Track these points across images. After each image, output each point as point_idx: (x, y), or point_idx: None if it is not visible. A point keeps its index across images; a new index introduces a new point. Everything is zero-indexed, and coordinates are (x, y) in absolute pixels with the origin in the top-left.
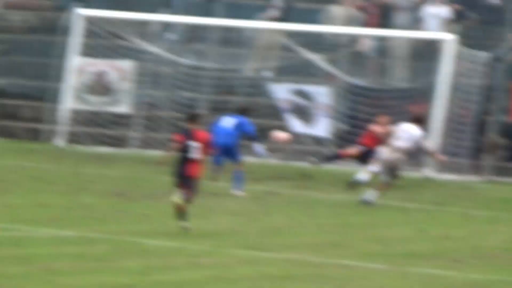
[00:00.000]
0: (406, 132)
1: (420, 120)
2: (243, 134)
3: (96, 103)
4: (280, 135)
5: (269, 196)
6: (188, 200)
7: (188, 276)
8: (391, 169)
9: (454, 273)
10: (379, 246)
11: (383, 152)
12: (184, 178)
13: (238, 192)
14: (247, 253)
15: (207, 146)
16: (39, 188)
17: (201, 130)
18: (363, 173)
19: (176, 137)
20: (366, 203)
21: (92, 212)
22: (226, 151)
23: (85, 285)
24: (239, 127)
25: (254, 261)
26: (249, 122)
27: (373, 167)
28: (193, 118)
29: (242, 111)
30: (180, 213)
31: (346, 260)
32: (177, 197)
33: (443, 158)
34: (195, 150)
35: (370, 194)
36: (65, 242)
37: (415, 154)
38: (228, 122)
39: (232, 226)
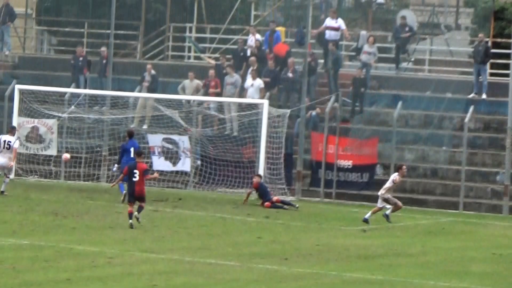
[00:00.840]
0: None
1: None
2: None
3: (33, 148)
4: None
5: (155, 213)
6: (142, 208)
7: (107, 272)
8: None
9: (284, 267)
10: (232, 248)
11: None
12: (134, 195)
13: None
14: (144, 255)
15: (145, 173)
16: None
17: (142, 163)
18: None
19: (125, 170)
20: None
21: (38, 226)
22: None
23: (40, 279)
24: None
25: (149, 261)
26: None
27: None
28: (138, 154)
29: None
30: (130, 215)
31: (211, 259)
32: (131, 207)
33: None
34: (138, 175)
35: None
36: (23, 248)
37: None
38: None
39: (132, 236)
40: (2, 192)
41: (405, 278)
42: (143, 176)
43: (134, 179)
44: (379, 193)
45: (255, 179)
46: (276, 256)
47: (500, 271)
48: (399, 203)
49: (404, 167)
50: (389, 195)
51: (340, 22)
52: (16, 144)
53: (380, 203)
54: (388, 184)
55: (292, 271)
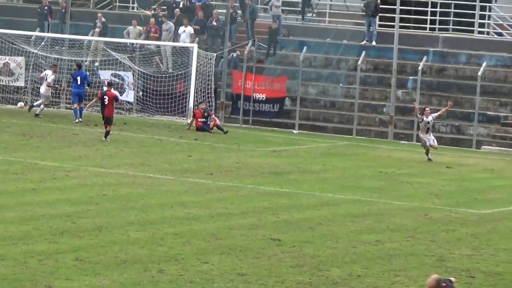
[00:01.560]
0: None
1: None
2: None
3: (5, 80)
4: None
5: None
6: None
7: (65, 183)
8: None
9: (210, 181)
10: (167, 165)
11: None
12: (104, 116)
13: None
14: (96, 169)
15: (115, 100)
16: None
17: (111, 91)
18: None
19: (99, 94)
20: None
21: (9, 144)
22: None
23: (10, 189)
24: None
25: (100, 174)
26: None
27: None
28: (109, 85)
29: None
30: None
31: (150, 174)
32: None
33: None
34: (108, 101)
35: None
36: None
37: None
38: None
39: (86, 153)
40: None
41: (309, 191)
42: (112, 101)
43: (105, 103)
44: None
45: (202, 106)
46: (203, 172)
47: (386, 186)
48: (426, 144)
49: (427, 109)
50: (421, 135)
51: None
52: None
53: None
54: (421, 126)
55: (216, 184)
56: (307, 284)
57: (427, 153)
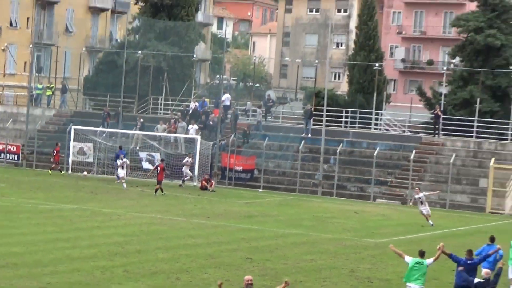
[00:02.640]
0: None
1: None
2: None
3: (81, 157)
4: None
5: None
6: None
7: (118, 223)
8: None
9: (208, 221)
10: (181, 211)
11: None
12: (158, 180)
13: None
14: (136, 214)
15: (163, 170)
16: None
17: (162, 164)
18: None
19: (155, 167)
20: None
21: (82, 199)
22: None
23: (82, 226)
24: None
25: (139, 217)
26: None
27: None
28: (162, 160)
29: None
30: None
31: (170, 217)
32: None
33: None
34: (160, 170)
35: None
36: (76, 209)
37: None
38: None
39: (131, 204)
40: None
41: (269, 228)
42: (163, 171)
43: (158, 171)
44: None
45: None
46: (203, 215)
47: (317, 224)
48: (421, 213)
49: (417, 188)
50: (419, 208)
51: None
52: None
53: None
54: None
55: (212, 223)
56: (268, 286)
57: (427, 219)
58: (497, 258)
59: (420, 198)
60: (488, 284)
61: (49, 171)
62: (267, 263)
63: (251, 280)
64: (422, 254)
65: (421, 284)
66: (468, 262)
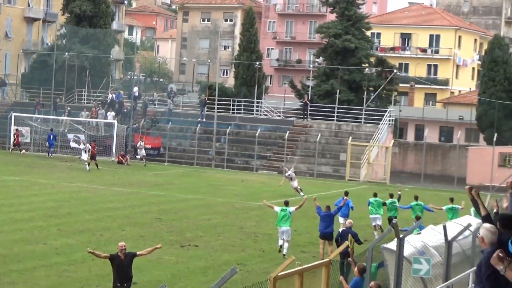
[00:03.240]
0: None
1: None
2: None
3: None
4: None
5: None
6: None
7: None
8: None
9: (124, 189)
10: (102, 181)
11: None
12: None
13: None
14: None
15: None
16: None
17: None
18: None
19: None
20: None
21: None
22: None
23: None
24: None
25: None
26: None
27: None
28: (93, 141)
29: None
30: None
31: (95, 186)
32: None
33: None
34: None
35: None
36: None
37: None
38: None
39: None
40: None
41: (173, 194)
42: (94, 149)
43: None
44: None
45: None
46: (121, 184)
47: (212, 191)
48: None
49: (285, 168)
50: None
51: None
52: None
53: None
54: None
55: (128, 191)
56: (174, 241)
57: (298, 192)
58: (349, 209)
59: (289, 175)
60: (351, 232)
61: (10, 151)
62: (173, 222)
63: (124, 246)
64: (286, 204)
65: (287, 225)
66: (326, 213)
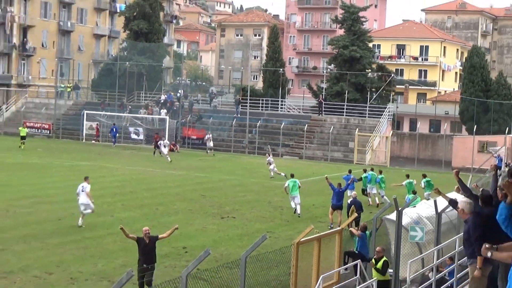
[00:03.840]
0: None
1: None
2: None
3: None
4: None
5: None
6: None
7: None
8: None
9: (175, 172)
10: (159, 164)
11: None
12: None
13: None
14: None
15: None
16: None
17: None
18: None
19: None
20: None
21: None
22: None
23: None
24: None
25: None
26: None
27: None
28: (156, 134)
29: None
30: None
31: (153, 169)
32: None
33: None
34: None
35: None
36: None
37: None
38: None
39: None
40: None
41: (217, 176)
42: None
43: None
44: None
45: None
46: (172, 167)
47: (247, 173)
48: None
49: (267, 154)
50: None
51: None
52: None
53: None
54: None
55: (179, 173)
56: (216, 214)
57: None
58: (354, 182)
59: (268, 160)
60: (356, 201)
61: (93, 142)
62: (215, 198)
63: (148, 230)
64: (292, 176)
65: (297, 193)
66: (340, 190)
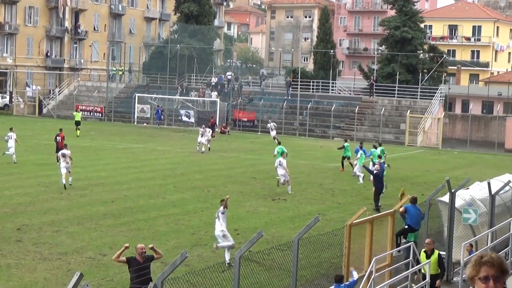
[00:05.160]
0: None
1: None
2: None
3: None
4: None
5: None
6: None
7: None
8: None
9: (226, 154)
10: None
11: None
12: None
13: None
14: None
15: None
16: None
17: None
18: None
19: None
20: None
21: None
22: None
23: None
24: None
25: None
26: None
27: None
28: (212, 117)
29: None
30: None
31: (190, 150)
32: None
33: None
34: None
35: None
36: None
37: None
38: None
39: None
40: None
41: (267, 158)
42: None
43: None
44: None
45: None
46: (222, 150)
47: (296, 155)
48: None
49: (270, 120)
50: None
51: (229, 74)
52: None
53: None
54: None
55: (230, 155)
56: (267, 195)
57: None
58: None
59: (269, 127)
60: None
61: (145, 125)
62: (266, 180)
63: (144, 249)
64: (279, 143)
65: (280, 158)
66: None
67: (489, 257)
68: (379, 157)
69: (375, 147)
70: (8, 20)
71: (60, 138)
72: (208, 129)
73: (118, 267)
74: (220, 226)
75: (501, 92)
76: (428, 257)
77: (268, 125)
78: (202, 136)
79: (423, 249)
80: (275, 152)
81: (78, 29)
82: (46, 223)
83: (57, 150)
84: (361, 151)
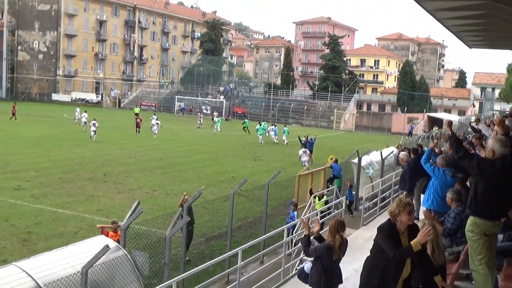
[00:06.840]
0: None
1: None
2: None
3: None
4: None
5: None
6: None
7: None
8: None
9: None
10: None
11: None
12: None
13: None
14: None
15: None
16: None
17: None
18: None
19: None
20: None
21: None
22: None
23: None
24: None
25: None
26: None
27: None
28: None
29: None
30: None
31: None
32: None
33: None
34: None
35: None
36: None
37: None
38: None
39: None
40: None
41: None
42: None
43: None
44: None
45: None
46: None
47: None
48: None
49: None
50: None
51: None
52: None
53: None
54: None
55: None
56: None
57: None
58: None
59: (270, 128)
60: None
61: (180, 114)
62: (250, 148)
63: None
64: (260, 123)
65: (261, 133)
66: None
67: (409, 200)
68: (288, 133)
69: (285, 125)
70: (101, 51)
71: (139, 120)
72: (216, 113)
73: (163, 198)
74: None
75: (390, 99)
76: (319, 199)
77: (267, 126)
78: (216, 117)
79: (317, 194)
80: (256, 129)
81: (142, 57)
82: (121, 171)
83: (137, 126)
84: (274, 128)
